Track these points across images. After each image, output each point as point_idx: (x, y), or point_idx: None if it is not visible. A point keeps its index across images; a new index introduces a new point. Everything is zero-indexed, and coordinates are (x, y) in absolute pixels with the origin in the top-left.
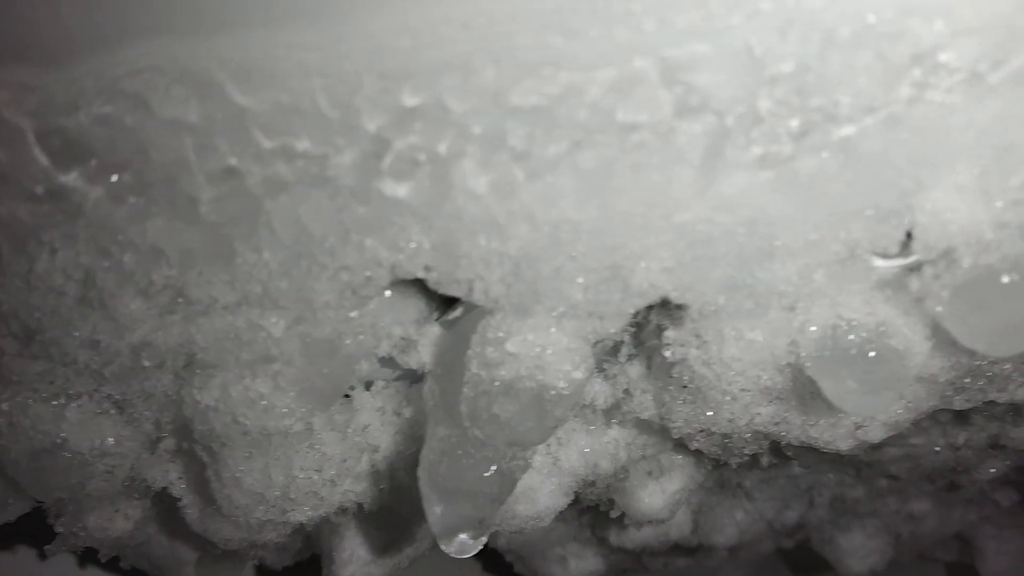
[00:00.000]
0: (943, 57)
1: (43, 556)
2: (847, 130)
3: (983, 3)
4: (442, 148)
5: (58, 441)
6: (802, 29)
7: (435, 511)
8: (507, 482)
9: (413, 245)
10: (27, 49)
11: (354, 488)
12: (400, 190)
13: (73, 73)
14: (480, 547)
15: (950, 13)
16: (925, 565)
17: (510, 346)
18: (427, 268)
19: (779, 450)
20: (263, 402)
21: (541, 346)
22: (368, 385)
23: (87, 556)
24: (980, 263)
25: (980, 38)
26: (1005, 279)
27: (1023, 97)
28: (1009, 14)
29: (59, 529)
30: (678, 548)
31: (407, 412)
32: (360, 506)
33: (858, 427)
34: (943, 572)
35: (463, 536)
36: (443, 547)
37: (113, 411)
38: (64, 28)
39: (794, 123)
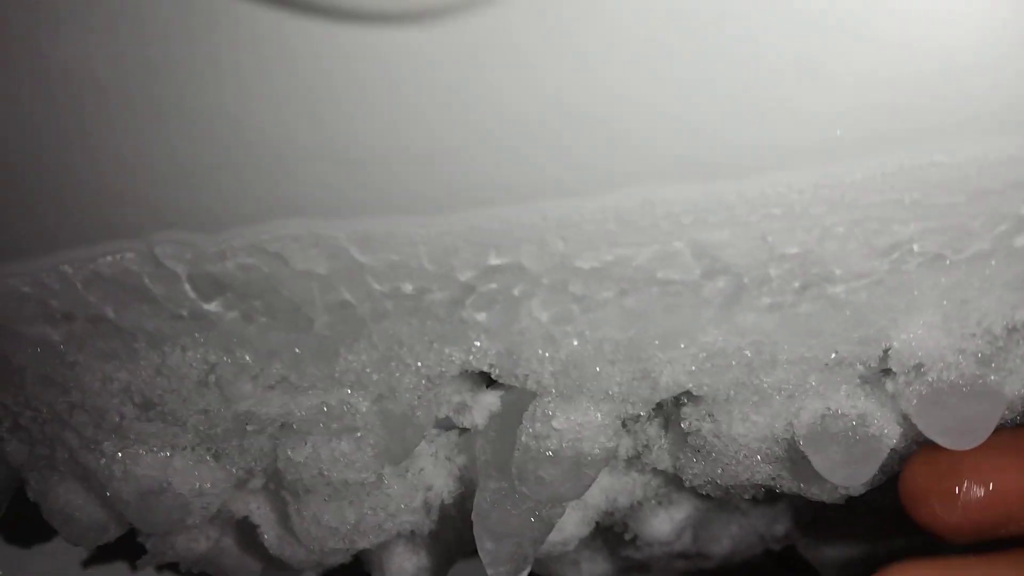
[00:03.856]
0: (916, 247)
1: (134, 568)
2: (839, 288)
3: (946, 213)
4: (516, 291)
5: (164, 485)
6: (806, 226)
7: (487, 547)
8: (546, 526)
9: (482, 351)
10: (190, 219)
11: (410, 519)
12: (478, 316)
13: (226, 236)
14: None
15: (924, 219)
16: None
17: (555, 424)
18: (491, 365)
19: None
20: (345, 460)
21: (581, 424)
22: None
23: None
24: (943, 378)
25: (945, 235)
26: (964, 390)
27: (976, 271)
28: (964, 221)
29: (149, 548)
30: (679, 555)
31: (457, 458)
32: (412, 532)
33: (842, 486)
34: None
35: (508, 568)
36: None
37: (210, 459)
38: (225, 207)
39: (796, 283)
